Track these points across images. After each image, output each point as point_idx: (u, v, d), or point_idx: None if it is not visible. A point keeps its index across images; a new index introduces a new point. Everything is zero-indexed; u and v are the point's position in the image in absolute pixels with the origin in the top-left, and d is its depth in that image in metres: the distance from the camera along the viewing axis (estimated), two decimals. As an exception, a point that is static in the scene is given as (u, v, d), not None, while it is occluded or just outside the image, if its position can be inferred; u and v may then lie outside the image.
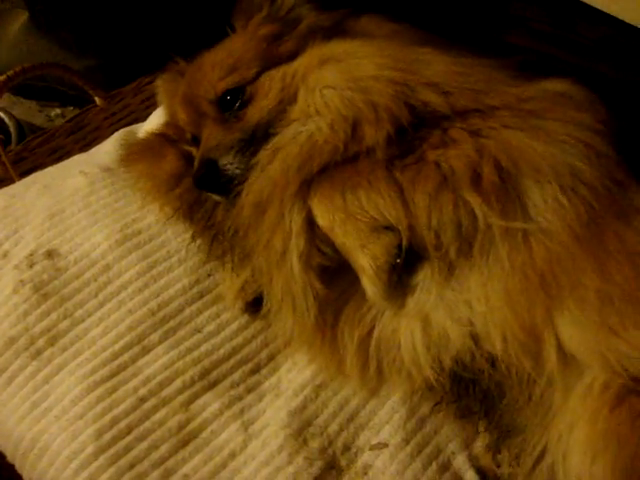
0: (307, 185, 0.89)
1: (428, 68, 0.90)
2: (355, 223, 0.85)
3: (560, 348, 0.81)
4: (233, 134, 0.98)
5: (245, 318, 1.07)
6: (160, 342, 1.03)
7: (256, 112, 0.97)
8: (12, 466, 1.00)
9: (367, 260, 0.85)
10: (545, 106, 0.88)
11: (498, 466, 0.92)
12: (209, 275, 1.10)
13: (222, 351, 1.04)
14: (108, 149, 1.35)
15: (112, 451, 0.93)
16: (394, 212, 0.84)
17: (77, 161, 1.33)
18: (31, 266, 1.07)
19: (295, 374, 1.03)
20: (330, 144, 0.88)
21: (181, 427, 0.97)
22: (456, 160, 0.84)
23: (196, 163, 1.01)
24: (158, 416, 0.97)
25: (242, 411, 0.99)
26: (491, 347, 0.83)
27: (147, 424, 0.96)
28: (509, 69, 0.95)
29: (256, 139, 0.96)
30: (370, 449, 0.96)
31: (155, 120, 1.32)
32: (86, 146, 1.46)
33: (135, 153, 1.20)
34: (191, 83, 1.06)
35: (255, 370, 1.04)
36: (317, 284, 0.89)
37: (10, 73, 1.35)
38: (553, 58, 1.36)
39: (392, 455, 0.95)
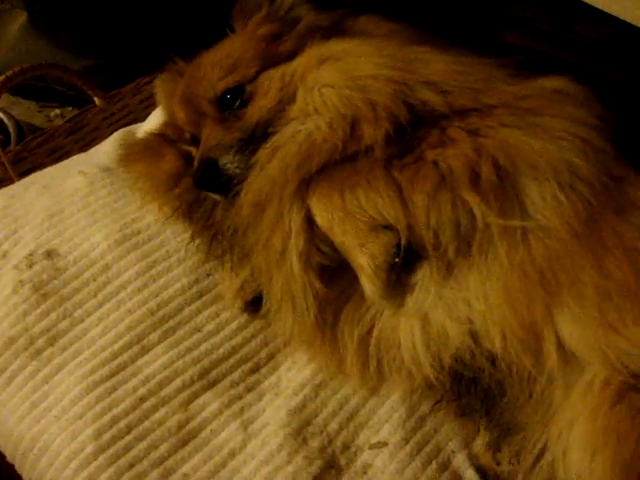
0: (306, 184, 0.89)
1: (427, 67, 0.90)
2: (354, 222, 0.85)
3: (560, 345, 0.81)
4: (233, 133, 0.98)
5: (244, 317, 1.07)
6: (159, 342, 1.03)
7: (256, 111, 0.98)
8: (12, 466, 1.00)
9: (366, 259, 0.85)
10: (542, 103, 0.88)
11: (498, 464, 0.92)
12: (208, 275, 1.10)
13: (221, 350, 1.04)
14: (107, 149, 1.35)
15: (112, 451, 0.93)
16: (393, 211, 0.84)
17: (76, 161, 1.33)
18: (30, 266, 1.08)
19: (294, 373, 1.03)
20: (329, 143, 0.88)
21: (181, 426, 0.97)
22: (454, 160, 0.84)
23: (196, 162, 1.01)
24: (157, 416, 0.97)
25: (242, 410, 0.99)
26: (491, 345, 0.84)
27: (147, 424, 0.96)
28: (508, 68, 0.95)
29: (255, 138, 0.96)
30: (370, 448, 0.96)
31: (154, 120, 1.32)
32: (85, 146, 1.46)
33: (134, 153, 1.20)
34: (190, 82, 1.06)
35: (254, 369, 1.04)
36: (317, 283, 0.89)
37: (9, 73, 1.35)
38: (553, 58, 1.36)
39: (392, 454, 0.95)
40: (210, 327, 1.06)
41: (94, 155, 1.35)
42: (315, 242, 0.89)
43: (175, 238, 1.13)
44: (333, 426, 0.98)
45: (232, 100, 1.00)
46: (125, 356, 1.01)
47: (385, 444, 0.97)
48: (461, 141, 0.85)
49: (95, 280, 1.07)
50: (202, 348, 1.03)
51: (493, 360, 0.85)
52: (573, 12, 1.30)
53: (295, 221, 0.89)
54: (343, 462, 0.95)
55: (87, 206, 1.16)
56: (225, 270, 1.06)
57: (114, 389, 0.98)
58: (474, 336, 0.85)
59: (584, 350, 0.80)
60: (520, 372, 0.83)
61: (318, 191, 0.88)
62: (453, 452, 0.97)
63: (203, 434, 0.97)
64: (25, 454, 0.96)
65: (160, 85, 1.22)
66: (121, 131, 1.42)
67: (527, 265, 0.82)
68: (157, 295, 1.07)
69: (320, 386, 1.02)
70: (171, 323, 1.05)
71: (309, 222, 0.89)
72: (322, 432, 0.97)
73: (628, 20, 1.19)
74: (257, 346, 1.06)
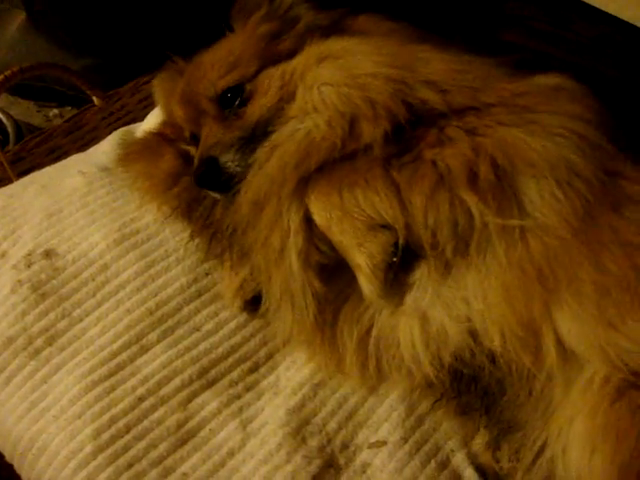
0: (305, 183, 0.89)
1: (426, 66, 0.90)
2: (352, 221, 0.85)
3: (559, 343, 0.81)
4: (233, 132, 0.98)
5: (244, 316, 1.07)
6: (158, 341, 1.03)
7: (256, 109, 0.98)
8: (11, 466, 1.00)
9: (364, 258, 0.85)
10: (539, 100, 0.89)
11: (497, 462, 0.92)
12: (207, 274, 1.10)
13: (220, 350, 1.04)
14: (106, 149, 1.35)
15: (110, 450, 0.93)
16: (391, 211, 0.84)
17: (75, 161, 1.33)
18: (29, 266, 1.07)
19: (293, 372, 1.03)
20: (328, 141, 0.88)
21: (180, 426, 0.96)
22: (452, 159, 0.84)
23: (196, 161, 1.01)
24: (156, 415, 0.97)
25: (241, 410, 0.99)
26: (490, 343, 0.84)
27: (145, 423, 0.96)
28: (506, 67, 0.95)
29: (256, 137, 0.96)
30: (369, 447, 0.96)
31: (153, 120, 1.32)
32: (84, 146, 1.45)
33: (133, 153, 1.20)
34: (191, 81, 1.06)
35: (253, 369, 1.04)
36: (316, 282, 0.89)
37: (8, 73, 1.34)
38: (551, 57, 1.37)
39: (391, 453, 0.95)
40: (209, 326, 1.06)
41: (93, 155, 1.35)
42: (314, 241, 0.89)
43: (174, 237, 1.13)
44: (332, 425, 0.98)
45: (232, 98, 1.00)
46: (124, 355, 1.01)
47: (384, 443, 0.97)
48: (459, 140, 0.85)
49: (94, 280, 1.07)
50: (201, 347, 1.03)
51: (493, 358, 0.84)
52: (570, 11, 1.31)
53: (294, 220, 0.89)
54: (342, 461, 0.95)
55: (86, 206, 1.16)
56: (224, 269, 1.06)
57: (113, 389, 0.98)
58: (473, 334, 0.85)
59: (583, 347, 0.80)
60: (520, 370, 0.83)
61: (316, 190, 0.88)
62: (452, 451, 0.97)
63: (202, 433, 0.97)
64: (24, 454, 0.96)
65: (158, 84, 1.22)
66: (120, 131, 1.42)
67: (525, 263, 0.82)
68: (156, 294, 1.07)
69: (319, 385, 1.02)
70: (170, 322, 1.05)
71: (308, 221, 0.89)
72: (321, 431, 0.97)
73: (625, 18, 1.19)
74: (256, 345, 1.06)
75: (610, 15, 1.21)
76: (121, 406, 0.96)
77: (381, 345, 0.93)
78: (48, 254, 1.09)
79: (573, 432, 0.80)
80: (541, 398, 0.84)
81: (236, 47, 1.03)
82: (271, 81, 0.97)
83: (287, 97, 0.96)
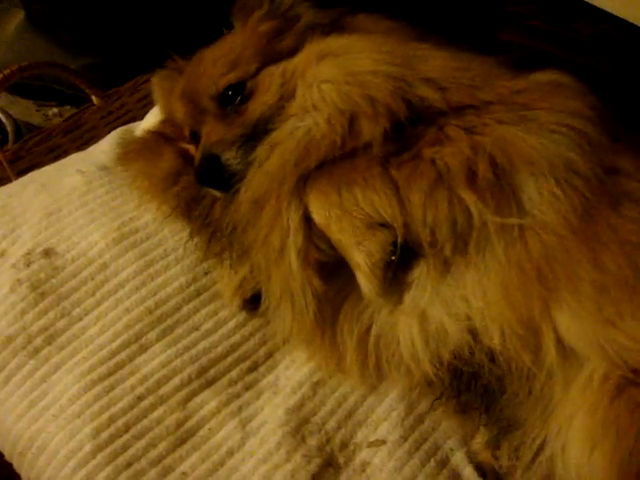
0: (304, 181, 0.89)
1: (425, 64, 0.90)
2: (351, 220, 0.85)
3: (559, 341, 0.81)
4: (234, 129, 0.98)
5: (243, 315, 1.07)
6: (157, 340, 1.03)
7: (257, 107, 0.97)
8: (10, 465, 0.99)
9: (362, 257, 0.85)
10: (537, 97, 0.88)
11: (497, 460, 0.92)
12: (206, 273, 1.10)
13: (220, 349, 1.03)
14: (105, 148, 1.34)
15: (110, 449, 0.93)
16: (389, 209, 0.84)
17: (74, 160, 1.33)
18: (28, 265, 1.07)
19: (293, 371, 1.03)
20: (327, 139, 0.88)
21: (179, 425, 0.96)
22: (451, 158, 0.84)
23: (197, 158, 1.01)
24: (156, 414, 0.97)
25: (240, 409, 0.99)
26: (489, 341, 0.84)
27: (145, 422, 0.96)
28: (505, 66, 0.95)
29: (257, 134, 0.96)
30: (368, 446, 0.96)
31: (152, 119, 1.32)
32: (83, 145, 1.45)
33: (132, 152, 1.20)
34: (191, 79, 1.06)
35: (253, 368, 1.04)
36: (316, 281, 0.89)
37: (7, 72, 1.34)
38: (550, 55, 1.37)
39: (390, 452, 0.95)
40: (208, 325, 1.05)
41: (92, 154, 1.35)
42: (313, 239, 0.89)
43: (173, 237, 1.13)
44: (331, 424, 0.98)
45: (233, 96, 1.00)
46: (123, 355, 1.01)
47: (383, 442, 0.97)
48: (458, 139, 0.85)
49: (93, 279, 1.07)
50: (200, 346, 1.03)
51: (492, 356, 0.85)
52: (569, 10, 1.31)
53: (293, 218, 0.89)
54: (342, 460, 0.95)
55: (85, 205, 1.16)
56: (223, 268, 1.06)
57: (112, 388, 0.98)
58: (473, 333, 0.85)
59: (583, 345, 0.80)
60: (519, 368, 0.83)
61: (315, 188, 0.88)
62: (452, 450, 0.97)
63: (201, 432, 0.97)
64: (23, 453, 0.96)
65: (157, 83, 1.22)
66: (119, 130, 1.42)
67: (524, 261, 0.82)
68: (155, 294, 1.07)
69: (318, 384, 1.02)
70: (169, 322, 1.05)
71: (307, 219, 0.89)
72: (320, 430, 0.97)
73: (624, 17, 1.19)
74: (255, 344, 1.05)
75: (609, 14, 1.21)
76: (120, 405, 0.96)
77: (381, 343, 0.93)
78: (47, 253, 1.09)
79: (573, 430, 0.80)
80: (541, 396, 0.84)
81: (237, 45, 1.03)
82: (272, 79, 0.98)
83: (288, 95, 0.96)
